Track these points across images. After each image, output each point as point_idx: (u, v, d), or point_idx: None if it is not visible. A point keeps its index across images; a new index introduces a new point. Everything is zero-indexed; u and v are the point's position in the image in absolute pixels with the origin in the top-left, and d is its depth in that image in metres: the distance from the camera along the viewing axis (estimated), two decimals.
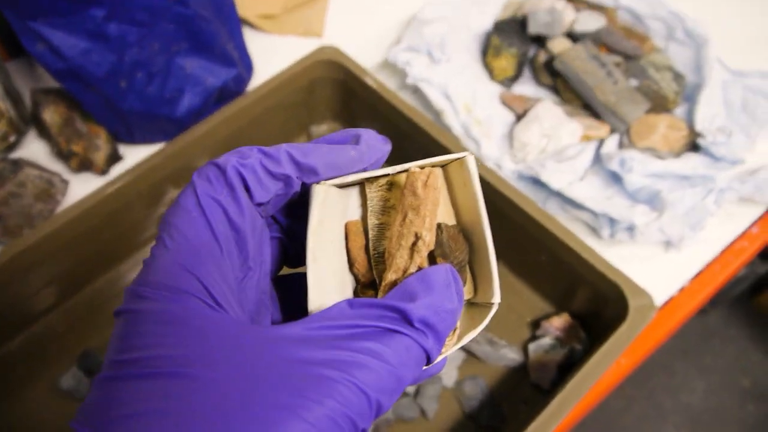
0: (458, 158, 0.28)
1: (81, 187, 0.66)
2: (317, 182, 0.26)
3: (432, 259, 0.27)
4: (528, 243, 0.59)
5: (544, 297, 0.63)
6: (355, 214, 0.29)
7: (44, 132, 0.68)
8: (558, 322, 0.59)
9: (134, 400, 0.21)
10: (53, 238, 0.56)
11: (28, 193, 0.61)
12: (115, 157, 0.68)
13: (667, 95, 0.72)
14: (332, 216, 0.27)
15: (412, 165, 0.27)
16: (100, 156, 0.66)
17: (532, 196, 0.67)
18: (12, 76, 0.70)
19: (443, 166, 0.29)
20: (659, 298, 0.63)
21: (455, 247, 0.27)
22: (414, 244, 0.26)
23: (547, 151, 0.68)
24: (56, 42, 0.60)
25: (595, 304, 0.57)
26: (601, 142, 0.70)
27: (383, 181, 0.28)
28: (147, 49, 0.64)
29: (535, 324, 0.62)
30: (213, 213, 0.24)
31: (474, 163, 0.27)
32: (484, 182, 0.59)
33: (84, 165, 0.66)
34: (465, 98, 0.71)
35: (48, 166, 0.67)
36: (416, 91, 0.75)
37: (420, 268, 0.26)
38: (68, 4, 0.58)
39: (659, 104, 0.72)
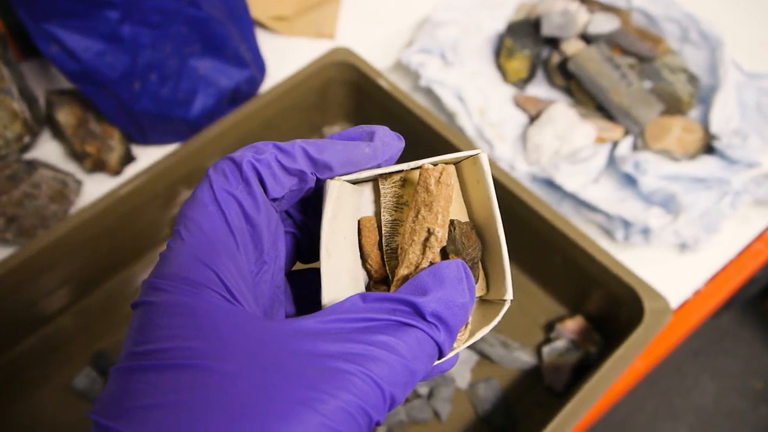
0: (471, 155, 0.28)
1: (95, 187, 0.67)
2: (331, 178, 0.26)
3: (444, 255, 0.27)
4: (541, 245, 0.59)
5: (557, 299, 0.62)
6: (368, 211, 0.29)
7: (58, 133, 0.68)
8: (572, 325, 0.59)
9: (151, 392, 0.21)
10: (67, 239, 0.56)
11: (42, 194, 0.62)
12: (128, 158, 0.68)
13: (681, 97, 0.71)
14: (346, 212, 0.28)
15: (426, 162, 0.27)
16: (113, 157, 0.67)
17: (545, 198, 0.67)
18: (26, 77, 0.70)
19: (456, 163, 0.29)
20: (674, 301, 0.62)
21: (468, 243, 0.27)
22: (426, 239, 0.26)
23: (560, 153, 0.68)
24: (70, 44, 0.60)
25: (609, 306, 0.57)
26: (615, 144, 0.69)
27: (397, 177, 0.28)
28: (160, 50, 0.64)
29: (549, 326, 0.61)
30: (229, 207, 0.24)
31: (487, 160, 0.27)
32: (497, 184, 0.59)
33: (98, 166, 0.67)
34: (478, 100, 0.71)
35: (62, 166, 0.67)
36: (429, 93, 0.74)
37: (432, 264, 0.26)
38: (82, 7, 0.59)
39: (673, 106, 0.71)
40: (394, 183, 0.29)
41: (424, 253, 0.26)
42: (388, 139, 0.28)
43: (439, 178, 0.26)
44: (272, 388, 0.21)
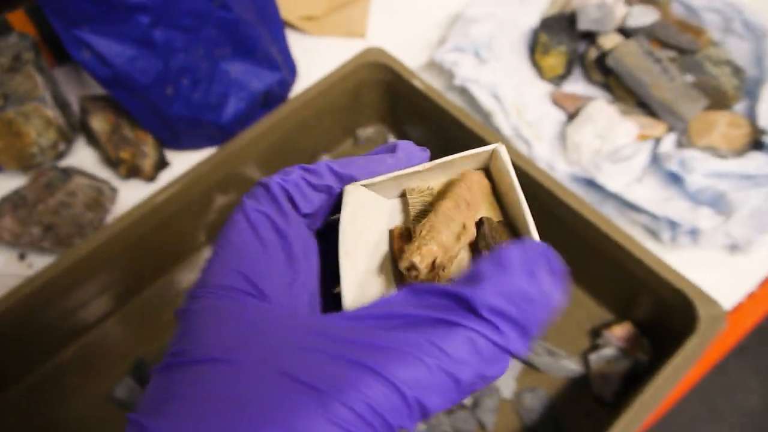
0: (491, 150, 0.28)
1: (130, 194, 0.66)
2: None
3: (476, 252, 0.27)
4: (585, 248, 0.57)
5: (603, 305, 0.61)
6: (397, 222, 0.29)
7: (92, 139, 0.68)
8: (620, 332, 0.57)
9: (171, 387, 0.22)
10: (105, 247, 0.55)
11: (78, 202, 0.61)
12: (162, 164, 0.68)
13: (726, 91, 0.69)
14: (368, 218, 0.28)
15: (444, 160, 0.28)
16: (147, 163, 0.66)
17: (587, 198, 0.65)
18: (59, 83, 0.70)
19: (485, 168, 0.29)
20: (725, 305, 0.60)
21: (499, 238, 0.27)
22: (460, 231, 0.26)
23: (601, 152, 0.66)
24: (102, 49, 0.60)
25: (658, 312, 0.55)
26: (658, 141, 0.67)
27: (425, 188, 0.29)
28: (192, 54, 0.63)
29: (595, 333, 0.60)
30: (258, 222, 0.26)
31: (506, 151, 0.28)
32: (537, 185, 0.57)
33: (132, 172, 0.66)
34: (514, 99, 0.69)
35: (97, 173, 0.67)
36: (463, 92, 0.73)
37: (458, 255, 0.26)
38: (113, 12, 0.58)
39: (718, 100, 0.69)
40: (422, 193, 0.29)
41: (458, 241, 0.26)
42: (411, 149, 0.29)
43: (479, 181, 0.28)
44: (279, 381, 0.20)
